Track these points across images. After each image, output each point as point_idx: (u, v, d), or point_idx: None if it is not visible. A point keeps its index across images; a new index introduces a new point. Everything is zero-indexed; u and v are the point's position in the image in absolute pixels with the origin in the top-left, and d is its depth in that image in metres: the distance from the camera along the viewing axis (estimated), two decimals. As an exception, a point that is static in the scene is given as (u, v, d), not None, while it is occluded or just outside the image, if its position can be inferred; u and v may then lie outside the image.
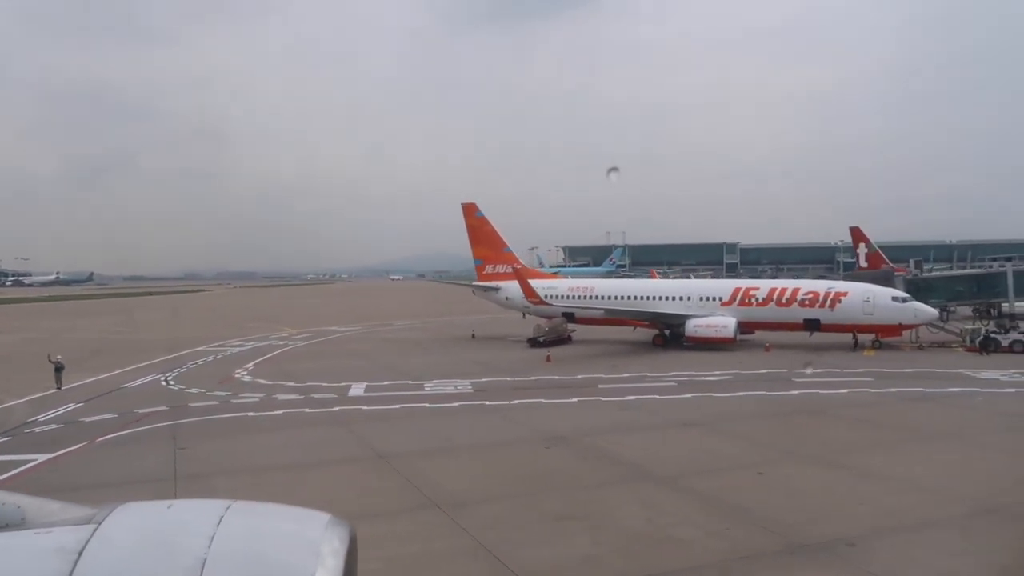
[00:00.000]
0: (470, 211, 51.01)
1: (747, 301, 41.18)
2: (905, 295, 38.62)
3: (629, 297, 45.26)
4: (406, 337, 50.92)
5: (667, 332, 42.57)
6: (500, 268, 49.53)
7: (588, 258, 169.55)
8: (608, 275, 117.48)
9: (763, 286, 42.43)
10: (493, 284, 49.38)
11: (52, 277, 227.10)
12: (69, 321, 71.60)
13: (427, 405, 24.53)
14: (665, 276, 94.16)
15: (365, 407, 24.37)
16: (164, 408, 24.21)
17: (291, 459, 17.90)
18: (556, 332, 43.85)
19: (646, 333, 44.26)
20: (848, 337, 39.74)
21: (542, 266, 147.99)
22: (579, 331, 46.50)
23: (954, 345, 39.26)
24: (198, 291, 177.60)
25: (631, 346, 42.38)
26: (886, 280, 41.15)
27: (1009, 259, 41.99)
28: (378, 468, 16.86)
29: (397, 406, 24.40)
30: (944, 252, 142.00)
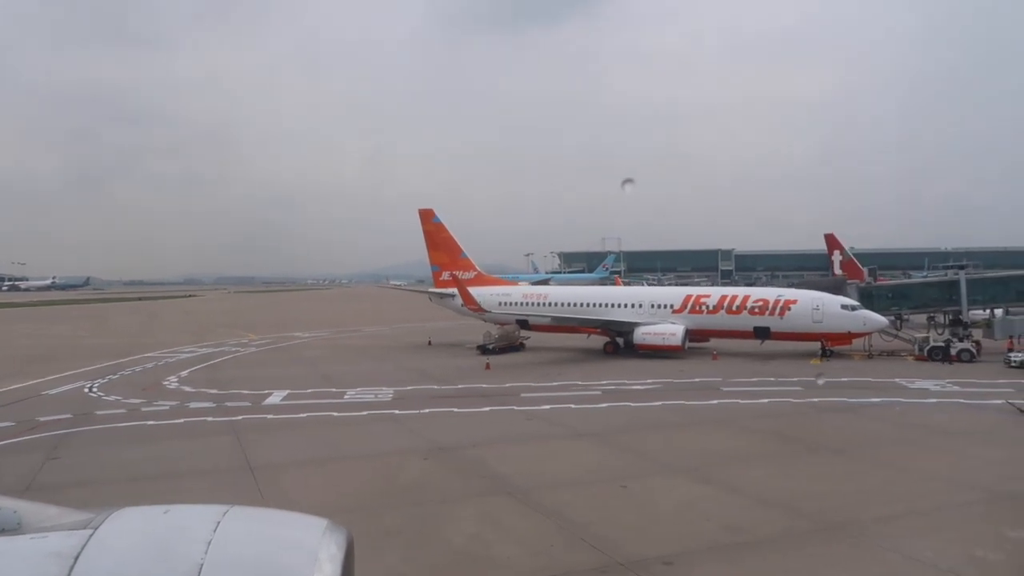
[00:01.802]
0: (427, 217, 50.69)
1: (698, 309, 40.78)
2: (855, 303, 38.19)
3: (581, 304, 44.88)
4: (364, 344, 50.62)
5: (619, 340, 42.16)
6: (456, 275, 49.15)
7: (583, 264, 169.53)
8: (602, 281, 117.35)
9: (714, 293, 42.07)
10: (449, 291, 49.02)
11: (48, 282, 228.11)
12: (40, 326, 71.64)
13: (335, 414, 24.22)
14: (657, 283, 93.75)
15: (271, 416, 24.08)
16: (67, 416, 23.92)
17: (157, 470, 17.56)
18: (507, 339, 43.56)
19: (600, 340, 43.85)
20: (815, 346, 38.92)
21: (536, 271, 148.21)
22: (534, 338, 46.16)
23: (904, 354, 38.76)
24: (190, 296, 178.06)
25: (581, 353, 41.97)
26: (837, 288, 40.67)
27: (963, 267, 41.31)
28: (239, 480, 16.52)
29: (304, 415, 24.12)
30: (939, 259, 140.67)
